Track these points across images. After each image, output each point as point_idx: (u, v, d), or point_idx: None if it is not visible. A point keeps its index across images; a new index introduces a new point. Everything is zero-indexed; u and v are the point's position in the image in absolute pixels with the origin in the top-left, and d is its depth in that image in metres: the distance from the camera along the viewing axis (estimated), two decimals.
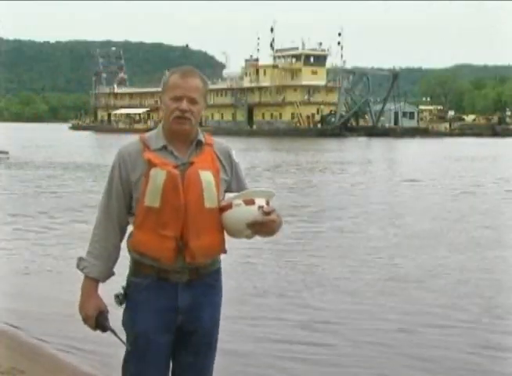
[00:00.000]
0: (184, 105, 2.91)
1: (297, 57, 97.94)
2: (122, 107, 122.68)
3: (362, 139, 76.68)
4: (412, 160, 38.92)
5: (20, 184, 22.48)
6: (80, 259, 3.03)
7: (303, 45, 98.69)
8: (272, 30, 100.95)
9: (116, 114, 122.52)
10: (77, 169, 29.70)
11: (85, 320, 3.00)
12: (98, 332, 3.05)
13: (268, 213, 2.87)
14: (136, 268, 2.99)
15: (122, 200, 2.99)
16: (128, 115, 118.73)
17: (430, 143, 66.89)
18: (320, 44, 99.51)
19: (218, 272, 3.09)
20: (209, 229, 2.94)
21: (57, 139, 67.52)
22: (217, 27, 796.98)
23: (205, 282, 3.01)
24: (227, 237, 3.02)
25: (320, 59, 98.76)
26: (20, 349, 6.28)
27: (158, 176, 2.88)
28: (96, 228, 3.03)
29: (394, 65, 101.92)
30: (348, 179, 26.04)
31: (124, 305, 3.02)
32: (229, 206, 2.91)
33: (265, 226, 2.88)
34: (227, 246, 3.05)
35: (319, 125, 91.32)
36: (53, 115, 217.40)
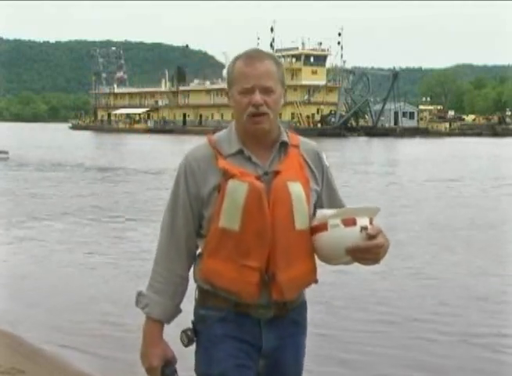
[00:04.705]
0: (257, 97, 2.37)
1: (297, 57, 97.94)
2: (122, 107, 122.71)
3: (363, 139, 76.63)
4: (432, 160, 37.64)
5: (20, 184, 22.44)
6: (139, 295, 2.44)
7: (303, 44, 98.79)
8: (272, 29, 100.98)
9: (116, 114, 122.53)
10: (77, 169, 29.64)
11: (149, 372, 2.44)
12: None
13: (373, 236, 2.29)
14: (206, 299, 2.42)
15: (190, 219, 2.40)
16: (127, 115, 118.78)
17: (432, 143, 66.69)
18: (320, 44, 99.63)
19: (304, 305, 2.53)
20: (300, 257, 2.36)
21: (57, 139, 67.44)
22: (217, 27, 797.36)
23: (290, 318, 2.45)
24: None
25: (320, 59, 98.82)
26: (20, 349, 6.27)
27: (238, 190, 2.30)
28: (158, 255, 2.44)
29: (394, 65, 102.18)
30: (377, 180, 25.74)
31: (193, 345, 2.47)
32: (324, 227, 2.34)
33: (368, 252, 2.30)
34: None
35: (319, 125, 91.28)
36: (53, 115, 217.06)
